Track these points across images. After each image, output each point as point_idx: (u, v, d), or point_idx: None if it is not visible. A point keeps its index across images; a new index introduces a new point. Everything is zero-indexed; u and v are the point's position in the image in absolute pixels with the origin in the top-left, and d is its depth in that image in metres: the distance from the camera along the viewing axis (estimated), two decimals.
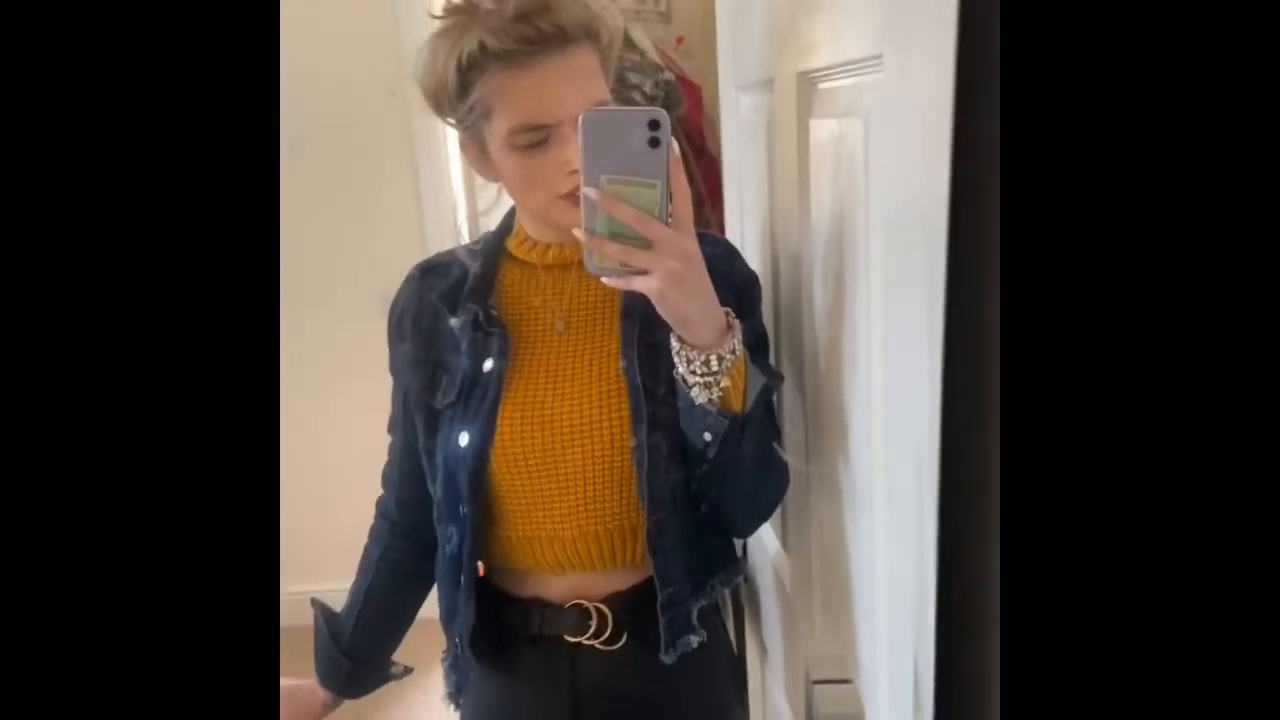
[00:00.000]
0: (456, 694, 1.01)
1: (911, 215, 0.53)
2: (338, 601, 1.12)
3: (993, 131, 0.49)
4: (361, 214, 2.58)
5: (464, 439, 0.91)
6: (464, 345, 0.93)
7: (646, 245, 0.71)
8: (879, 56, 0.60)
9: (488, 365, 0.91)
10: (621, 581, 0.95)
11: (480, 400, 0.91)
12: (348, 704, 1.04)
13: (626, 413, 0.89)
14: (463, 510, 0.93)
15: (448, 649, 1.01)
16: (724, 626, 1.06)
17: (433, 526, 0.99)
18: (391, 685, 1.18)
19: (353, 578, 1.12)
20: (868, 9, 0.62)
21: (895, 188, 0.58)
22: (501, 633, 0.98)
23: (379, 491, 1.08)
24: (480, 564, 1.00)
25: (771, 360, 0.99)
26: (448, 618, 0.99)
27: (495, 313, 0.93)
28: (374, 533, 1.08)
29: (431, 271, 0.99)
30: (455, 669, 0.99)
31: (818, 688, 0.55)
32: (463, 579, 0.94)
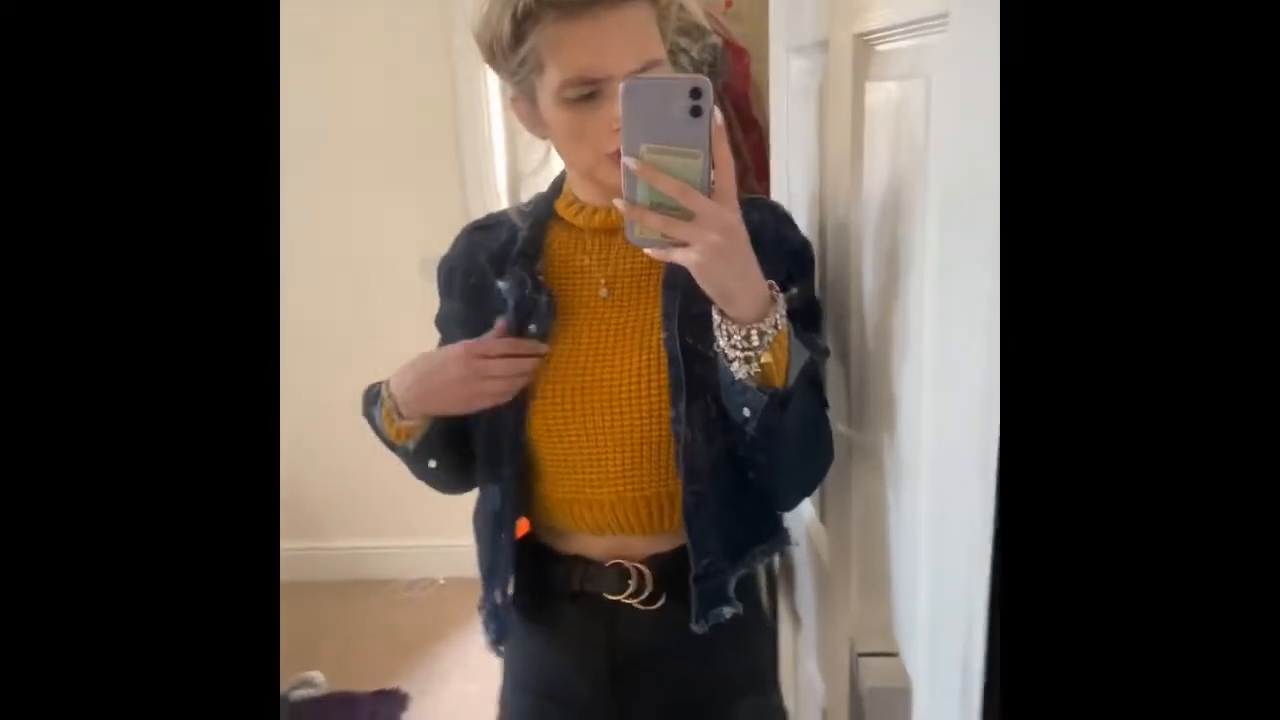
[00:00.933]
0: (497, 642, 1.01)
1: (976, 182, 0.51)
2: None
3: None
4: (402, 179, 2.58)
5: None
6: (509, 307, 0.93)
7: (688, 216, 0.69)
8: (944, 15, 0.57)
9: (532, 329, 0.91)
10: (663, 544, 0.95)
11: (531, 362, 0.91)
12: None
13: (666, 384, 0.88)
14: (504, 471, 0.94)
15: (485, 599, 1.02)
16: (758, 595, 1.06)
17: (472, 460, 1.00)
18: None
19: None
20: None
21: (958, 154, 0.56)
22: (543, 587, 0.99)
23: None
24: (524, 520, 1.01)
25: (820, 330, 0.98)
26: (488, 571, 1.00)
27: (541, 277, 0.93)
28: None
29: (481, 230, 1.00)
30: (495, 619, 1.00)
31: (862, 660, 0.54)
32: (503, 536, 0.95)
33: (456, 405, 0.90)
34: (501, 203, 2.54)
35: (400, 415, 0.93)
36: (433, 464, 0.97)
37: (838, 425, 0.90)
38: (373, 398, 0.99)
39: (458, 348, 0.89)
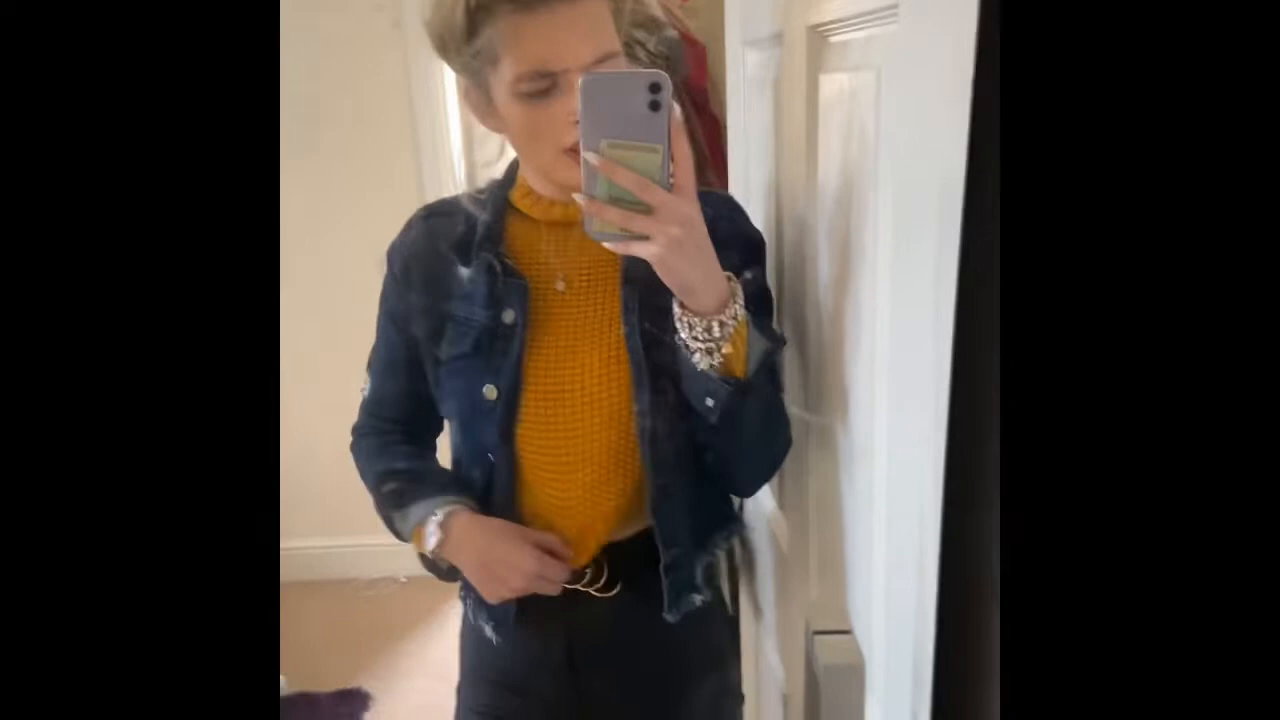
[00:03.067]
0: (499, 629, 1.00)
1: (924, 172, 0.52)
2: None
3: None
4: (358, 167, 2.55)
5: (490, 392, 0.91)
6: (479, 296, 0.91)
7: (647, 210, 0.70)
8: (894, 7, 0.58)
9: (508, 316, 0.90)
10: (620, 532, 0.96)
11: (503, 353, 0.90)
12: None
13: (628, 379, 0.89)
14: (491, 458, 0.94)
15: (470, 592, 1.01)
16: (719, 583, 1.07)
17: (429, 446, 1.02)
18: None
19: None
20: None
21: (908, 143, 0.57)
22: None
23: None
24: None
25: (775, 318, 0.99)
26: None
27: (510, 262, 0.92)
28: (367, 450, 1.06)
29: (437, 217, 0.97)
30: (487, 607, 0.99)
31: (818, 638, 0.55)
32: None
33: (499, 597, 0.93)
34: (460, 189, 2.52)
35: (440, 558, 0.95)
36: (445, 567, 0.99)
37: (795, 410, 0.91)
38: (392, 498, 0.99)
39: (532, 559, 0.90)
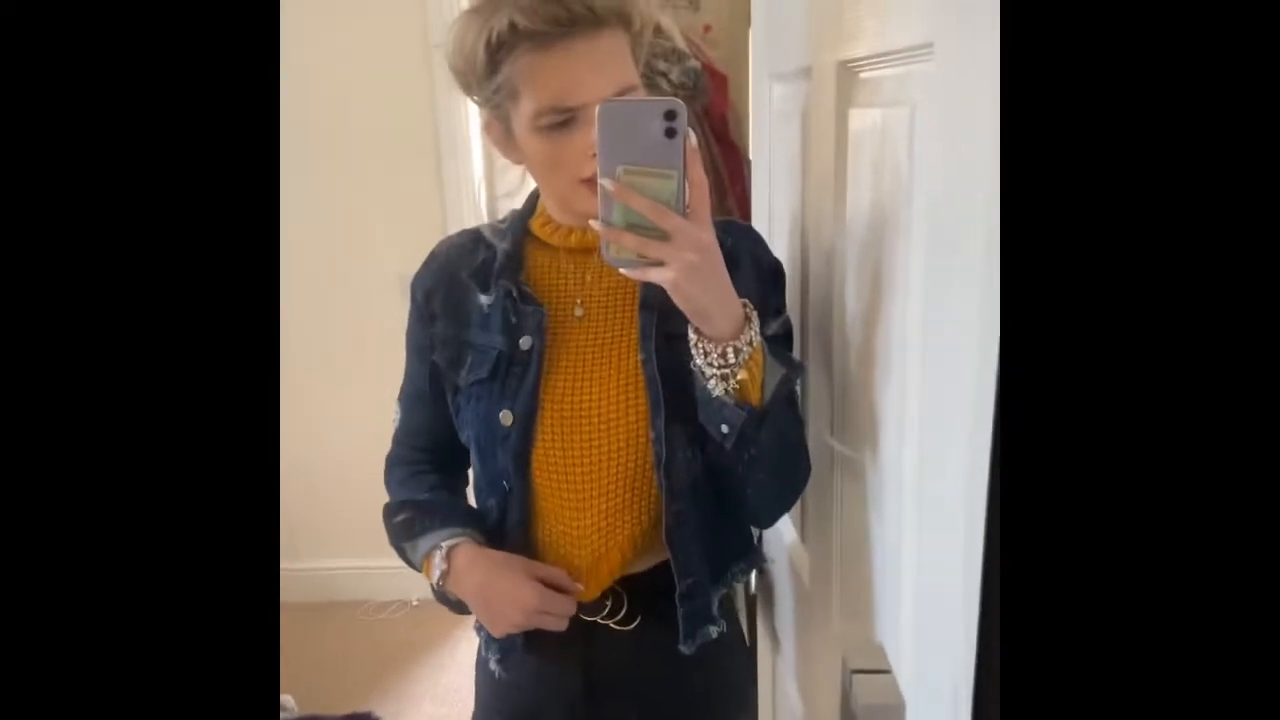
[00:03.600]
0: (502, 661, 0.99)
1: (964, 209, 0.53)
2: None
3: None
4: (383, 196, 2.58)
5: (506, 418, 0.91)
6: (496, 322, 0.92)
7: (663, 237, 0.70)
8: (929, 45, 0.59)
9: (525, 343, 0.91)
10: (639, 564, 0.95)
11: (520, 378, 0.90)
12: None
13: (645, 405, 0.89)
14: (506, 485, 0.94)
15: (483, 627, 1.00)
16: (736, 615, 1.06)
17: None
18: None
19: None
20: None
21: (945, 181, 0.57)
22: None
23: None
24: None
25: (798, 351, 0.99)
26: None
27: (529, 290, 0.93)
28: (395, 480, 1.06)
29: (457, 248, 0.99)
30: (496, 640, 0.98)
31: (856, 677, 0.55)
32: (508, 547, 0.95)
33: (501, 631, 0.93)
34: (482, 219, 2.54)
35: (445, 589, 0.95)
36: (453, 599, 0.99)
37: (825, 437, 0.91)
38: (402, 528, 0.98)
39: (533, 594, 0.90)
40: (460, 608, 0.97)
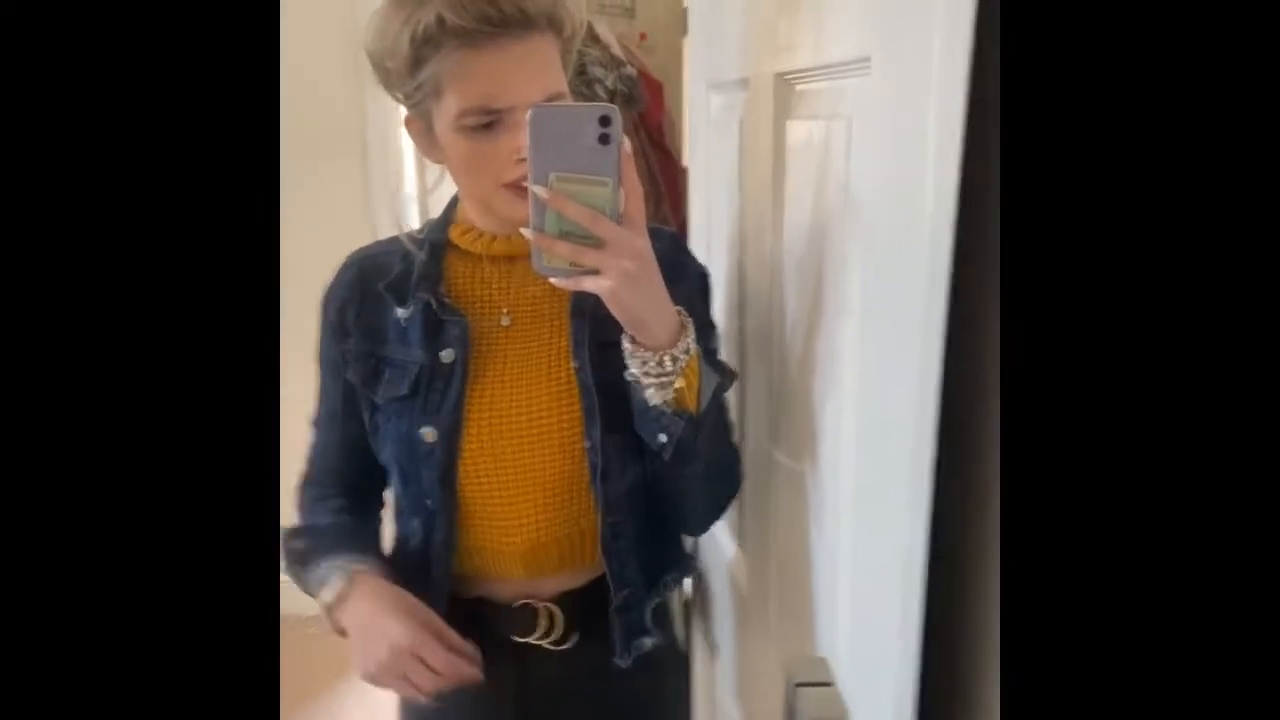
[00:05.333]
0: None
1: (902, 221, 0.53)
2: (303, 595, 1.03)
3: (985, 134, 0.49)
4: (305, 188, 2.50)
5: (429, 434, 0.88)
6: (415, 336, 0.89)
7: (598, 244, 0.69)
8: (866, 60, 0.59)
9: (446, 355, 0.88)
10: (572, 580, 0.93)
11: (442, 392, 0.88)
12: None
13: (579, 414, 0.87)
14: (429, 504, 0.90)
15: None
16: (672, 625, 1.05)
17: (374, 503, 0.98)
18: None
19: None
20: (852, 12, 0.62)
21: (880, 193, 0.58)
22: None
23: None
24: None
25: (737, 364, 0.99)
26: None
27: (448, 301, 0.90)
28: (301, 504, 1.00)
29: (371, 261, 0.94)
30: None
31: (800, 690, 0.54)
32: (433, 570, 0.91)
33: (366, 672, 0.84)
34: (411, 212, 2.48)
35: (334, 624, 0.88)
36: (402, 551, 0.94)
37: (765, 446, 0.91)
38: (300, 556, 0.92)
39: (405, 633, 0.81)
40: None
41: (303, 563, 0.92)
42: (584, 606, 0.92)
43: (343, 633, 0.88)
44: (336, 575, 0.87)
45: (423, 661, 0.82)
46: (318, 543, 0.93)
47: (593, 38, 2.14)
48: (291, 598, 2.78)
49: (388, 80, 0.83)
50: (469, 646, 0.85)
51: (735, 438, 0.91)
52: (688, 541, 1.08)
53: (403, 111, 0.87)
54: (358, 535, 0.95)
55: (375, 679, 0.84)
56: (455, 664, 0.83)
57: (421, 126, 0.85)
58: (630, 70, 2.17)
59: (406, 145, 2.51)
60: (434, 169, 0.91)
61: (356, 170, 2.47)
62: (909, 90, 0.52)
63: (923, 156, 0.49)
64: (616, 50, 2.18)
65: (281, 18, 2.31)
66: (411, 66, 0.79)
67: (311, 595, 0.91)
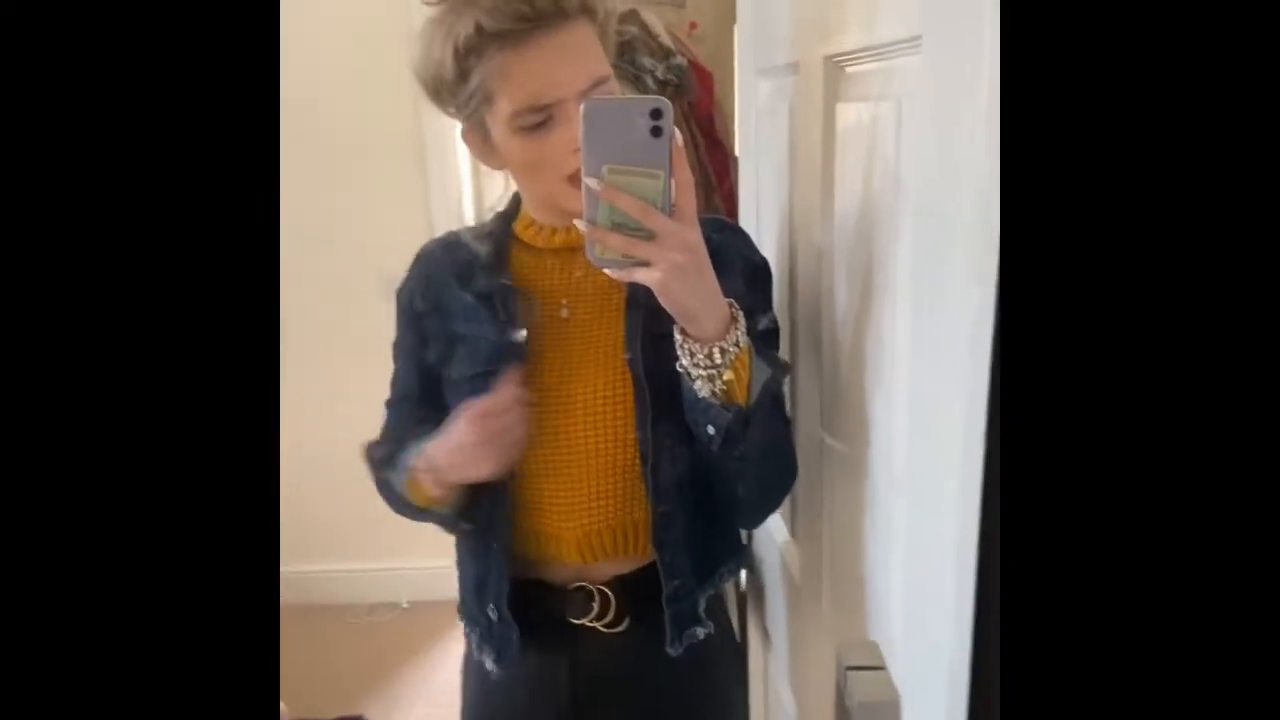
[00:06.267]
0: (499, 660, 0.97)
1: (951, 203, 0.52)
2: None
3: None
4: (368, 207, 2.57)
5: None
6: (485, 316, 0.92)
7: (649, 236, 0.70)
8: (916, 39, 0.59)
9: (519, 335, 0.90)
10: (626, 566, 0.94)
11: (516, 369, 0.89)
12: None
13: (632, 405, 0.88)
14: (494, 482, 0.91)
15: (474, 619, 0.99)
16: (726, 615, 1.06)
17: None
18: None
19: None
20: None
21: (932, 175, 0.57)
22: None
23: None
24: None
25: (787, 349, 0.98)
26: (476, 588, 0.97)
27: (510, 284, 0.92)
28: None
29: (439, 250, 0.98)
30: (490, 637, 0.96)
31: (851, 674, 0.54)
32: (495, 546, 0.93)
33: (483, 467, 0.85)
34: (467, 220, 2.53)
35: (437, 489, 0.89)
36: (466, 526, 0.95)
37: (816, 431, 0.91)
38: (384, 461, 0.96)
39: (462, 417, 0.84)
40: (457, 516, 0.93)
41: (390, 466, 0.94)
42: (637, 592, 0.93)
43: (453, 517, 0.90)
44: (414, 451, 0.89)
45: (491, 419, 0.83)
46: (398, 447, 0.95)
47: (641, 26, 2.14)
48: (355, 587, 2.84)
49: (439, 97, 0.86)
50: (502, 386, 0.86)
51: (791, 430, 0.91)
52: (743, 533, 1.08)
53: (458, 127, 0.89)
54: (428, 434, 0.94)
55: (499, 459, 0.85)
56: (500, 397, 0.84)
57: (478, 136, 0.87)
58: (680, 60, 2.16)
59: (464, 161, 2.55)
60: (493, 184, 0.94)
61: (418, 187, 2.53)
62: (959, 68, 0.52)
63: (972, 136, 0.48)
64: (666, 40, 2.17)
65: (336, 26, 2.35)
66: (459, 79, 0.81)
67: (410, 501, 0.93)
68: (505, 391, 0.85)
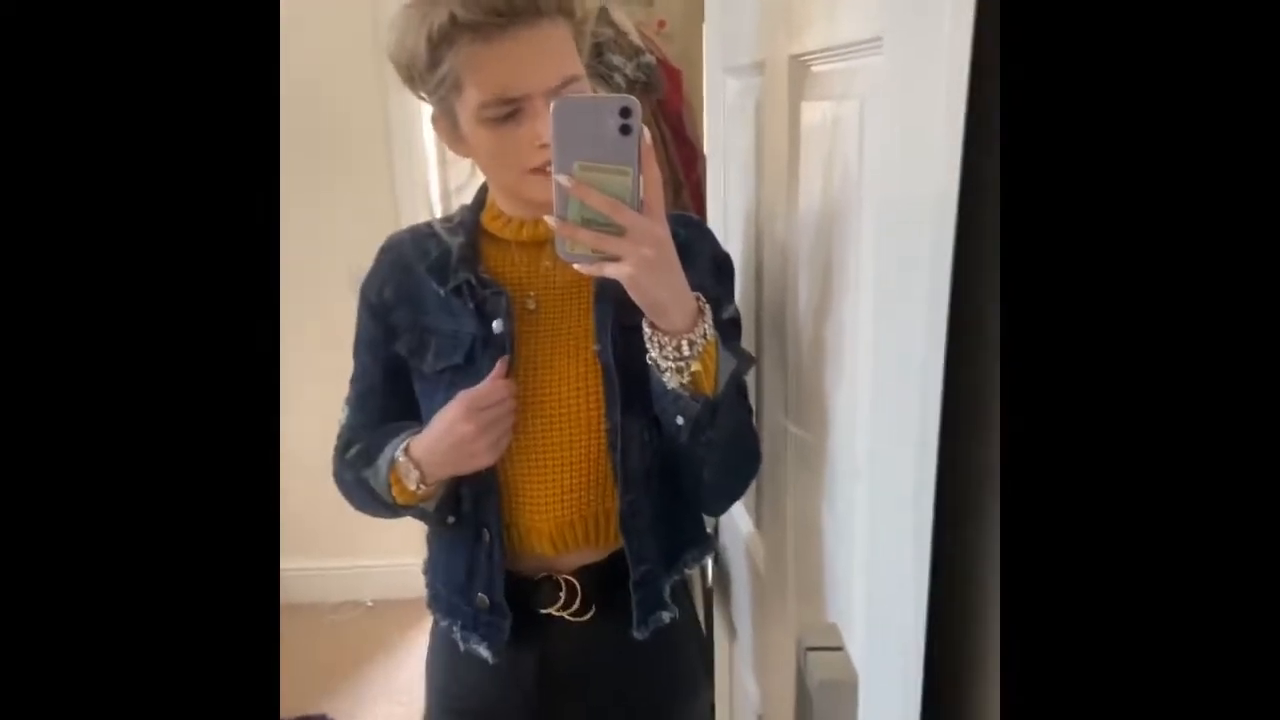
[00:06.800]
0: (494, 648, 0.96)
1: (911, 201, 0.54)
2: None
3: (993, 120, 0.49)
4: (334, 192, 2.54)
5: None
6: (462, 309, 0.92)
7: (619, 232, 0.71)
8: (878, 39, 0.60)
9: (497, 326, 0.90)
10: (592, 555, 0.96)
11: (494, 360, 0.90)
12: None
13: (601, 395, 0.90)
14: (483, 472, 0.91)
15: (456, 609, 0.98)
16: (692, 605, 1.07)
17: None
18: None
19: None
20: None
21: (891, 173, 0.58)
22: None
23: None
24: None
25: (753, 343, 1.00)
26: (465, 577, 0.96)
27: (488, 277, 0.93)
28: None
29: (408, 243, 0.98)
30: (478, 626, 0.96)
31: (811, 654, 0.56)
32: (486, 535, 0.93)
33: (480, 458, 0.87)
34: (435, 212, 2.52)
35: (425, 483, 0.89)
36: (451, 519, 0.95)
37: (780, 421, 0.93)
38: (357, 460, 0.95)
39: (456, 407, 0.86)
40: (443, 509, 0.94)
41: (366, 463, 0.94)
42: (603, 580, 0.95)
43: (425, 483, 0.90)
44: (401, 456, 0.89)
45: (481, 409, 0.85)
46: (372, 443, 0.95)
47: (610, 25, 2.14)
48: (318, 585, 2.82)
49: (411, 81, 0.86)
50: (494, 376, 0.87)
51: (753, 420, 0.93)
52: (709, 523, 1.09)
53: (425, 113, 0.89)
54: (403, 427, 0.95)
55: (492, 450, 0.87)
56: (495, 387, 0.86)
57: (447, 123, 0.88)
58: (649, 58, 2.17)
59: (430, 147, 2.54)
60: (458, 171, 0.94)
61: (384, 173, 2.51)
62: (919, 69, 0.53)
63: (930, 135, 0.50)
64: (635, 38, 2.18)
65: (300, 18, 2.32)
66: (431, 65, 0.82)
67: (385, 496, 0.92)
68: (496, 382, 0.86)
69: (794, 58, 0.81)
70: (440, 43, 0.80)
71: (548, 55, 0.81)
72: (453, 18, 0.78)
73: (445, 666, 1.02)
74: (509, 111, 0.81)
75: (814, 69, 0.78)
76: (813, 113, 0.79)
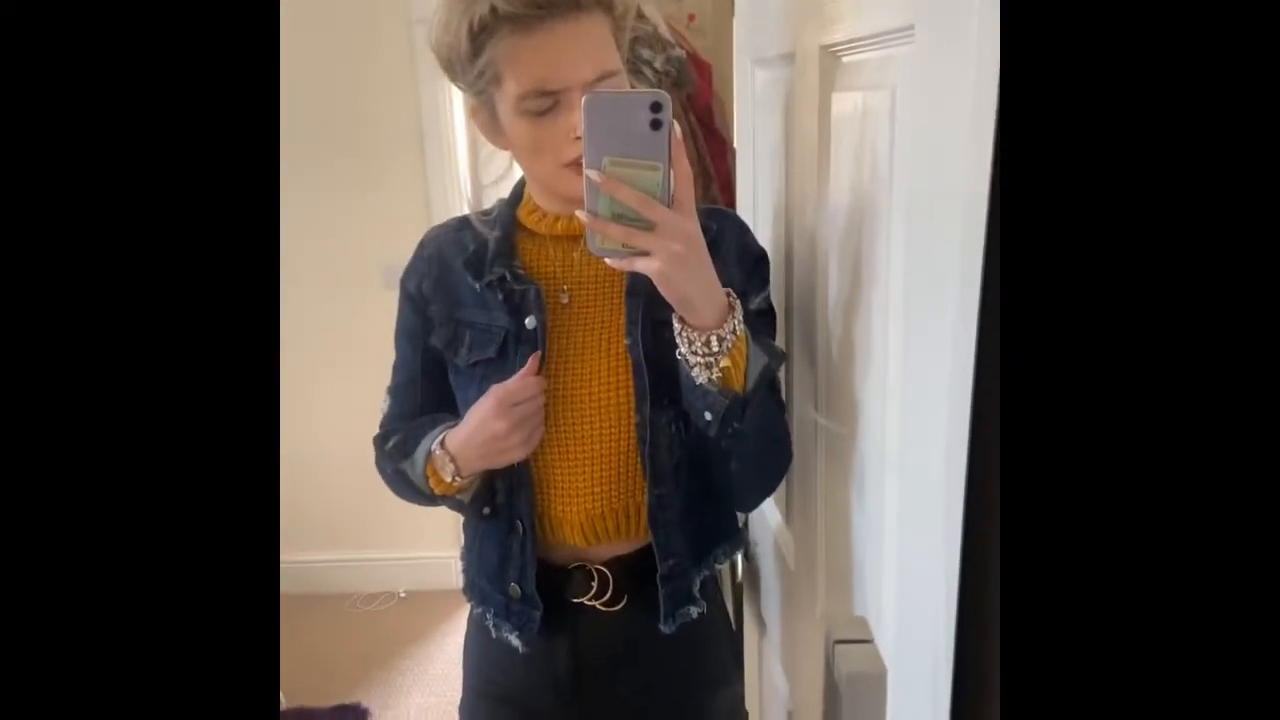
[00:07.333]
0: (525, 637, 0.98)
1: (942, 192, 0.53)
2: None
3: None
4: (367, 187, 2.57)
5: None
6: (497, 303, 0.93)
7: (649, 227, 0.71)
8: (910, 28, 0.60)
9: (530, 322, 0.92)
10: (624, 547, 0.96)
11: (527, 355, 0.91)
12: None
13: (631, 390, 0.90)
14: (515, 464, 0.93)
15: (488, 599, 1.00)
16: (721, 597, 1.07)
17: None
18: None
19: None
20: None
21: (923, 164, 0.58)
22: None
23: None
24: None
25: (783, 335, 1.00)
26: (498, 567, 0.98)
27: (523, 273, 0.94)
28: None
29: (446, 237, 1.00)
30: (510, 615, 0.97)
31: (839, 647, 0.56)
32: (519, 526, 0.94)
33: (513, 453, 0.88)
34: (466, 207, 2.54)
35: (460, 476, 0.91)
36: (486, 510, 0.96)
37: (810, 414, 0.92)
38: (396, 450, 0.97)
39: (489, 402, 0.87)
40: (479, 500, 0.95)
41: (403, 455, 0.96)
42: (635, 572, 0.95)
43: (460, 476, 0.91)
44: (438, 449, 0.91)
45: (512, 405, 0.86)
46: (409, 434, 0.97)
47: (640, 18, 2.14)
48: (352, 576, 2.87)
49: (451, 72, 0.87)
50: (526, 372, 0.88)
51: (786, 416, 0.93)
52: (739, 518, 1.09)
53: (458, 110, 0.90)
54: (440, 419, 0.97)
55: (526, 445, 0.88)
56: (526, 384, 0.87)
57: (486, 115, 0.89)
58: (678, 52, 2.17)
59: (462, 143, 2.56)
60: (494, 165, 0.95)
61: (417, 169, 2.53)
62: (949, 58, 0.53)
63: (961, 124, 0.50)
64: (664, 32, 2.18)
65: (334, 14, 2.36)
66: (471, 57, 0.83)
67: (421, 488, 0.94)
68: (527, 379, 0.87)
69: (824, 48, 0.80)
70: (481, 34, 0.81)
71: (586, 49, 0.82)
72: (494, 9, 0.79)
73: (480, 651, 1.04)
74: (547, 105, 0.81)
75: (844, 59, 0.78)
76: (843, 103, 0.78)
